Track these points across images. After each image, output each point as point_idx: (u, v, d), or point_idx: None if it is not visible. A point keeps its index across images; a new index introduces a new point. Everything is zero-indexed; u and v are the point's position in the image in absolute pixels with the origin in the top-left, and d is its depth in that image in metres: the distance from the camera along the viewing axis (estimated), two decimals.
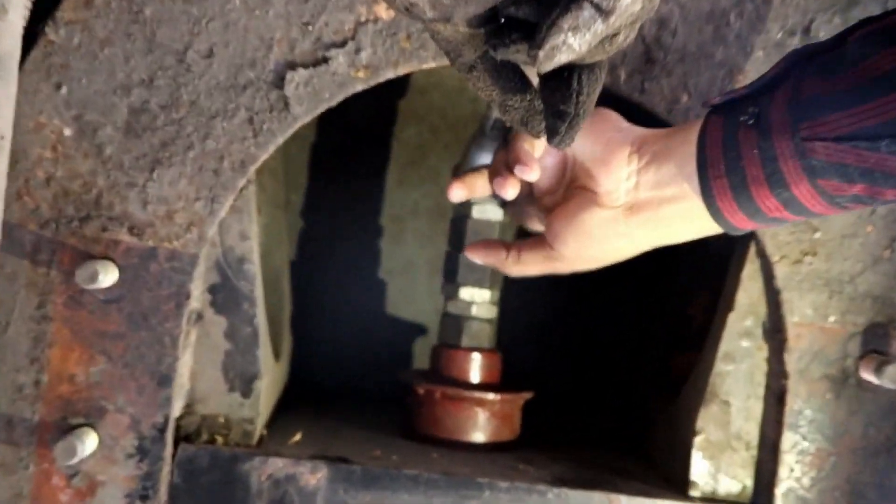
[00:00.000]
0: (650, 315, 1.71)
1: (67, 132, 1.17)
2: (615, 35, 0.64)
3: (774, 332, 1.24)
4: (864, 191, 0.75)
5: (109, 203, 1.17)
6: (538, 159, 0.89)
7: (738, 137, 0.79)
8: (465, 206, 1.48)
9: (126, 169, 1.18)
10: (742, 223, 0.82)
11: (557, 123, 0.73)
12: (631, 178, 0.85)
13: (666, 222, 0.85)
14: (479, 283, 1.49)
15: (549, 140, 0.76)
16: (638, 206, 0.85)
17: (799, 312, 1.21)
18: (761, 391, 1.28)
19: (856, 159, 0.73)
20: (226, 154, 1.18)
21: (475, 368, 1.49)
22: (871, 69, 0.72)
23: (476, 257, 0.95)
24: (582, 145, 0.87)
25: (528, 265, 0.93)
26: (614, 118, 0.89)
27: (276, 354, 1.43)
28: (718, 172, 0.80)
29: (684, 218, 0.84)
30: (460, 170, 1.49)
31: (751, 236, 1.24)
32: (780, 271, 1.21)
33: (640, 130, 0.88)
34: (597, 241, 0.88)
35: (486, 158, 1.48)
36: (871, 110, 0.72)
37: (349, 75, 1.18)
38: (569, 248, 0.89)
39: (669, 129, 0.87)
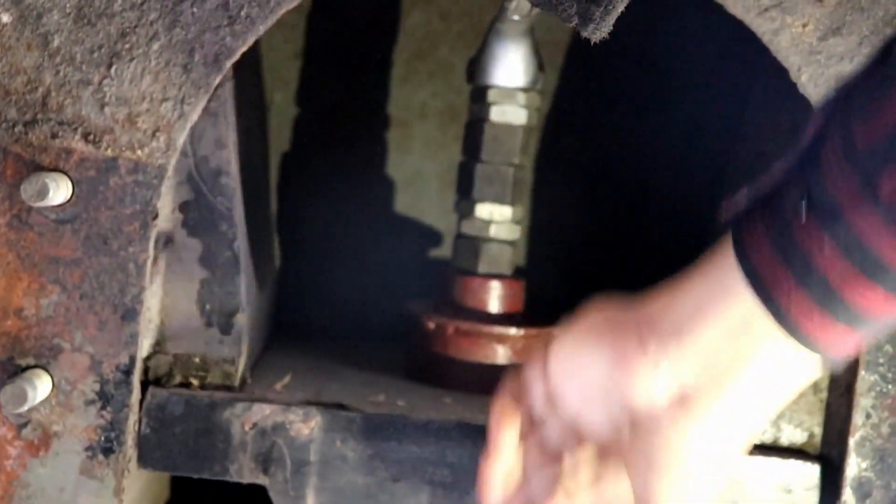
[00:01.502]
0: (699, 235, 1.70)
1: (5, 18, 1.15)
2: None
3: None
4: None
5: (59, 104, 1.16)
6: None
7: (794, 238, 0.69)
8: (482, 108, 1.47)
9: (78, 63, 1.15)
10: (846, 341, 0.72)
11: (591, 7, 0.70)
12: (658, 375, 0.76)
13: (738, 393, 0.75)
14: (499, 199, 1.47)
15: (582, 27, 0.73)
16: (686, 398, 0.76)
17: None
18: None
19: None
20: (197, 46, 1.16)
21: (494, 298, 1.48)
22: None
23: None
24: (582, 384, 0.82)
25: None
26: (600, 318, 0.83)
27: (261, 283, 1.43)
28: (788, 287, 0.70)
29: (760, 379, 0.74)
30: (478, 65, 1.47)
31: None
32: None
33: (637, 312, 0.80)
34: (687, 470, 0.77)
35: (508, 52, 1.46)
36: None
37: None
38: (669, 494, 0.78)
39: (681, 281, 0.79)
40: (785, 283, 0.70)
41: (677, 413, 0.76)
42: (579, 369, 0.83)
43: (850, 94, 0.69)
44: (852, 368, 1.22)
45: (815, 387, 1.27)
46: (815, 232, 0.68)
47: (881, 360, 1.21)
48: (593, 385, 0.81)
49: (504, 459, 0.89)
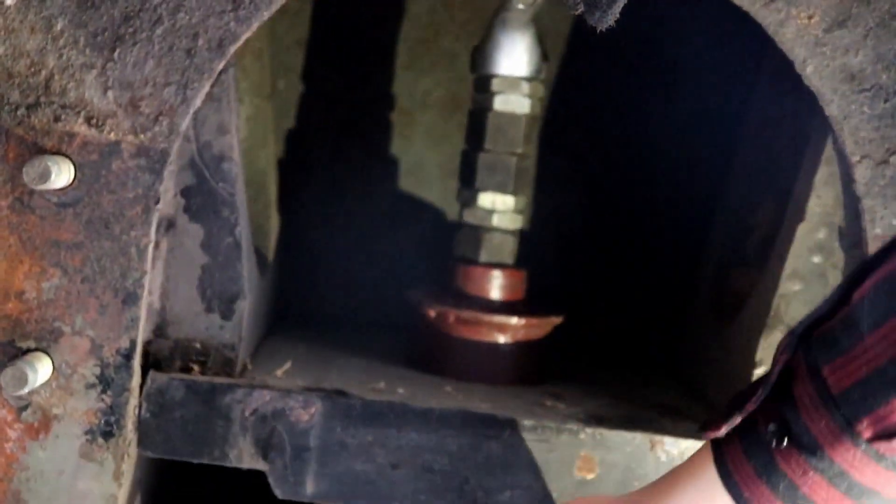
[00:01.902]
0: (702, 226, 1.70)
1: (9, 1, 1.14)
2: None
3: (852, 246, 1.23)
4: None
5: (62, 87, 1.15)
6: None
7: (777, 465, 0.78)
8: (486, 97, 1.47)
9: (81, 47, 1.15)
10: None
11: None
12: None
13: None
14: (501, 188, 1.47)
15: (589, 16, 0.74)
16: None
17: (882, 223, 1.19)
18: None
19: None
20: (201, 31, 1.16)
21: (496, 287, 1.48)
22: None
23: None
24: None
25: None
26: None
27: (262, 270, 1.43)
28: None
29: None
30: (481, 54, 1.47)
31: (825, 133, 1.21)
32: (861, 174, 1.19)
33: None
34: None
35: (512, 40, 1.45)
36: None
37: None
38: None
39: (665, 485, 0.89)
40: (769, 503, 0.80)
41: None
42: None
43: (813, 335, 0.78)
44: None
45: None
46: (798, 462, 0.77)
47: None
48: None
49: None
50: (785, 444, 0.77)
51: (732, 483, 0.81)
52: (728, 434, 0.82)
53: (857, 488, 0.76)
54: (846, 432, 0.74)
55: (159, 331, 1.25)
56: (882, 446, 0.73)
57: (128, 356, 1.17)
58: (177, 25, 1.15)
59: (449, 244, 1.54)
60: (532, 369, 1.46)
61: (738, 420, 0.81)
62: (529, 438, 1.23)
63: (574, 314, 1.55)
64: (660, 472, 1.21)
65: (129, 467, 1.19)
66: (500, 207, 1.48)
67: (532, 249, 1.59)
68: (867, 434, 0.73)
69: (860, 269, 0.77)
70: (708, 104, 1.71)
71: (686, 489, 0.85)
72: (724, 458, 0.82)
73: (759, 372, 1.27)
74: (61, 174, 1.13)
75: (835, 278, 1.26)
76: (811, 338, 0.78)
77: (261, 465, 1.21)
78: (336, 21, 1.78)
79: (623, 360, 1.71)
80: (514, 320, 1.43)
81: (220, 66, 1.16)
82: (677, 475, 0.88)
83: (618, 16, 0.90)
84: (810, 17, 1.16)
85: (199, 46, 1.16)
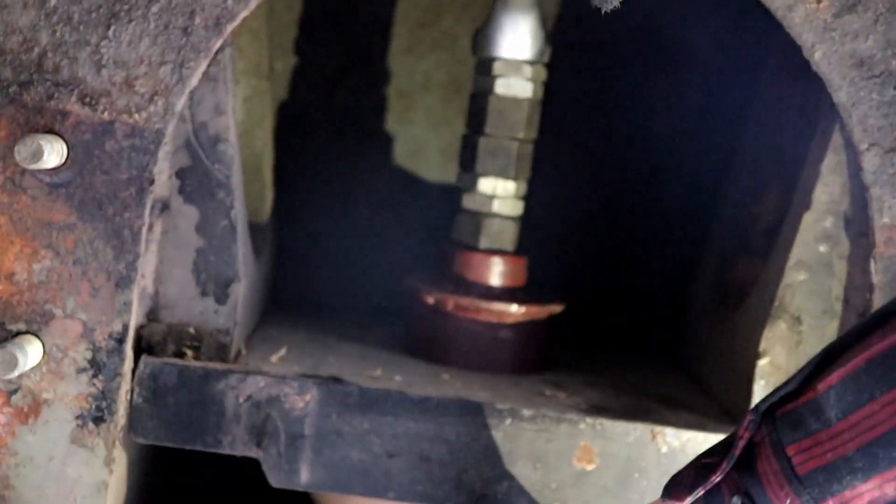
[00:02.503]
0: (706, 214, 1.69)
1: None
2: None
3: (859, 235, 1.22)
4: None
5: (55, 65, 1.14)
6: None
7: None
8: (488, 80, 1.46)
9: (75, 24, 1.14)
10: None
11: None
12: None
13: None
14: (502, 173, 1.47)
15: None
16: None
17: (890, 213, 1.19)
18: (839, 307, 1.26)
19: None
20: (198, 8, 1.15)
21: (495, 275, 1.47)
22: (883, 420, 0.75)
23: None
24: None
25: None
26: None
27: (257, 253, 1.42)
28: None
29: None
30: (483, 37, 1.46)
31: (834, 119, 1.21)
32: (869, 163, 1.18)
33: None
34: None
35: (515, 23, 1.44)
36: None
37: None
38: None
39: None
40: None
41: None
42: None
43: (778, 413, 0.81)
44: None
45: None
46: None
47: None
48: None
49: None
50: None
51: None
52: None
53: None
54: None
55: (152, 315, 1.24)
56: None
57: (120, 340, 1.16)
58: (173, 3, 1.14)
59: (448, 229, 1.53)
60: (532, 358, 1.46)
61: (702, 493, 0.85)
62: (528, 428, 1.22)
63: (576, 303, 1.54)
64: (661, 464, 1.22)
65: (120, 453, 1.19)
66: (501, 193, 1.47)
67: (534, 238, 1.59)
68: None
69: (826, 353, 0.81)
70: (713, 90, 1.70)
71: None
72: None
73: (762, 363, 1.27)
74: (53, 153, 1.12)
75: (840, 268, 1.25)
76: (775, 415, 0.81)
77: (254, 453, 1.21)
78: (335, 2, 1.78)
79: (625, 349, 1.71)
80: (514, 308, 1.43)
81: (217, 46, 1.15)
82: None
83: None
84: (819, 2, 1.15)
85: (195, 25, 1.15)
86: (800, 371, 0.83)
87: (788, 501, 0.79)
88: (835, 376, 0.78)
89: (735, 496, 0.82)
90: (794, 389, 0.81)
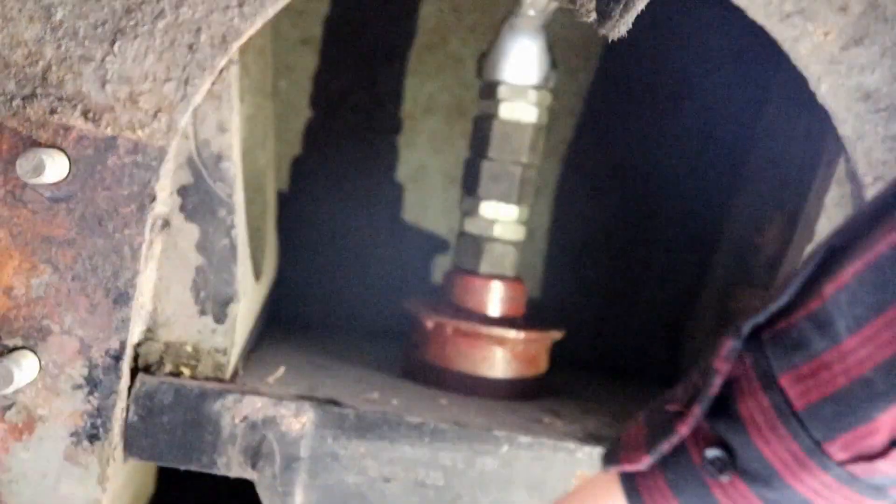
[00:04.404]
0: (708, 244, 1.69)
1: None
2: None
3: None
4: None
5: (59, 79, 1.14)
6: None
7: (716, 501, 0.65)
8: (492, 104, 1.46)
9: (81, 38, 1.14)
10: None
11: (611, 4, 0.70)
12: None
13: None
14: (504, 198, 1.46)
15: (601, 24, 0.73)
16: None
17: None
18: None
19: None
20: (204, 26, 1.15)
21: (495, 300, 1.47)
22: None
23: None
24: None
25: None
26: None
27: (257, 274, 1.42)
28: None
29: None
30: (489, 60, 1.46)
31: (839, 152, 1.21)
32: None
33: None
34: None
35: (521, 47, 1.45)
36: None
37: None
38: None
39: None
40: None
41: None
42: None
43: (764, 337, 0.64)
44: None
45: None
46: (745, 495, 0.64)
47: None
48: None
49: None
50: (728, 474, 0.64)
51: None
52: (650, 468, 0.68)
53: None
54: (813, 456, 0.61)
55: (150, 332, 1.24)
56: (858, 468, 0.61)
57: (117, 357, 1.16)
58: (179, 19, 1.15)
59: (449, 253, 1.53)
60: (530, 384, 1.45)
61: (666, 449, 0.67)
62: (525, 455, 1.22)
63: (576, 330, 1.54)
64: None
65: (114, 472, 1.18)
66: (503, 218, 1.47)
67: (535, 263, 1.59)
68: (840, 456, 0.61)
69: (828, 253, 0.63)
70: (717, 120, 1.71)
71: None
72: (640, 493, 0.68)
73: None
74: (55, 168, 1.12)
75: None
76: (762, 340, 0.64)
77: (249, 475, 1.20)
78: (341, 22, 1.78)
79: (624, 377, 1.71)
80: (513, 333, 1.42)
81: (223, 63, 1.16)
82: None
83: (630, 26, 0.88)
84: (826, 34, 1.15)
85: (201, 42, 1.15)
86: (791, 279, 0.64)
87: (782, 447, 0.62)
88: (849, 272, 0.60)
89: (707, 450, 0.64)
90: (788, 304, 0.64)
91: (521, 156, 1.45)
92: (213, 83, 1.18)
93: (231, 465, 1.20)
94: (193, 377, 1.24)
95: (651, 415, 0.69)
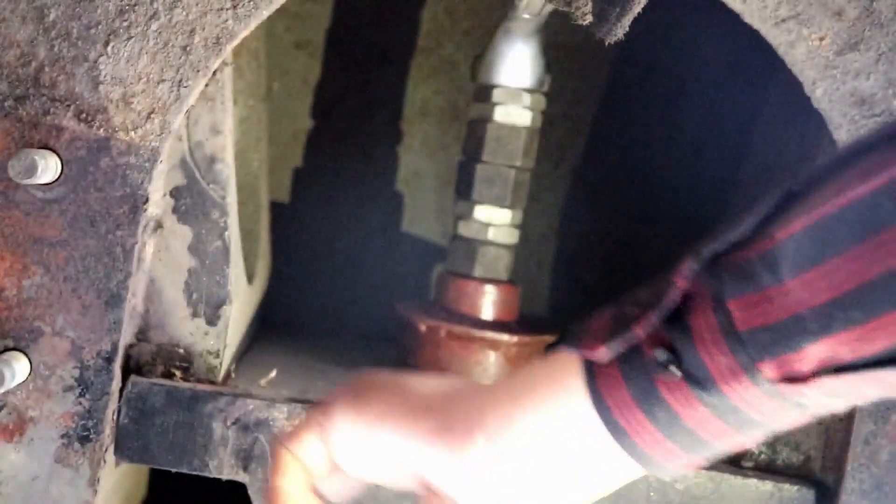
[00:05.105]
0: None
1: None
2: None
3: None
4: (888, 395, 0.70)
5: (52, 80, 1.14)
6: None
7: (660, 394, 0.72)
8: (487, 107, 1.46)
9: (74, 39, 1.14)
10: (697, 464, 0.77)
11: (607, 7, 0.70)
12: (501, 482, 0.78)
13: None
14: (498, 202, 1.46)
15: (597, 28, 0.73)
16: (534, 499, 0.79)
17: None
18: None
19: (879, 383, 0.67)
20: (198, 27, 1.15)
21: (489, 303, 1.47)
22: (843, 280, 0.65)
23: None
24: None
25: None
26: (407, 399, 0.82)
27: (250, 276, 1.42)
28: (653, 439, 0.74)
29: (595, 490, 0.79)
30: (483, 64, 1.46)
31: None
32: None
33: (467, 410, 0.79)
34: None
35: (516, 51, 1.44)
36: (889, 326, 0.65)
37: None
38: None
39: (519, 391, 0.78)
40: (647, 435, 0.73)
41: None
42: (366, 445, 0.83)
43: (722, 262, 0.71)
44: None
45: None
46: (685, 394, 0.72)
47: None
48: (396, 453, 0.82)
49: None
50: (672, 374, 0.71)
51: (604, 407, 0.74)
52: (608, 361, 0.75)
53: (749, 423, 0.71)
54: (747, 371, 0.69)
55: (142, 334, 1.23)
56: (785, 388, 0.68)
57: (109, 359, 1.16)
58: (173, 21, 1.14)
59: (442, 257, 1.53)
60: None
61: (622, 345, 0.74)
62: None
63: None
64: (650, 501, 1.21)
65: (105, 474, 1.18)
66: (497, 221, 1.47)
67: (529, 267, 1.58)
68: (770, 375, 0.68)
69: (786, 196, 0.70)
70: (712, 125, 1.71)
71: (542, 403, 0.77)
72: (596, 377, 0.75)
73: None
74: (48, 169, 1.12)
75: None
76: (720, 264, 0.71)
77: (241, 477, 1.20)
78: (335, 25, 1.78)
79: None
80: (507, 337, 1.42)
81: (216, 65, 1.15)
82: (533, 382, 0.78)
83: (626, 29, 0.88)
84: (821, 39, 1.15)
85: (195, 43, 1.15)
86: (752, 213, 0.71)
87: (722, 360, 0.69)
88: (798, 223, 0.67)
89: (657, 350, 0.72)
90: (746, 237, 0.70)
91: (515, 159, 1.45)
92: (206, 85, 1.18)
93: (223, 467, 1.20)
94: (185, 379, 1.24)
95: (616, 311, 0.77)
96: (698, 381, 0.70)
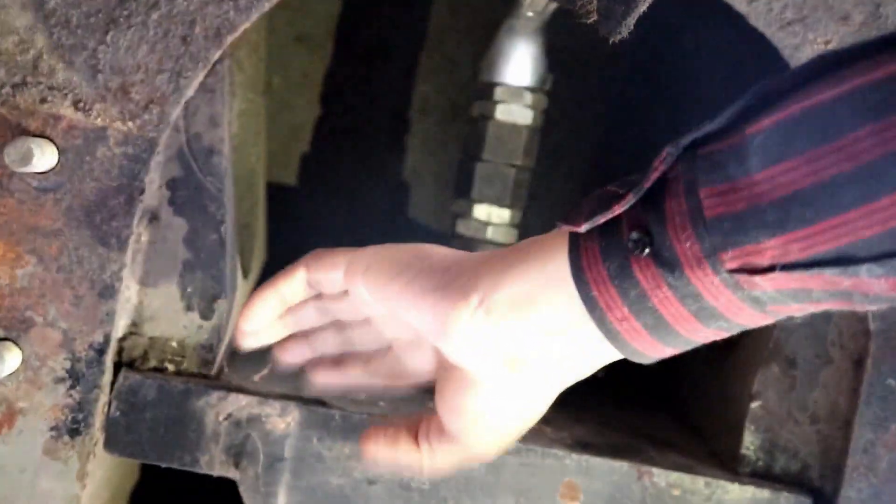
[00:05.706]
0: None
1: None
2: None
3: None
4: (837, 305, 0.73)
5: (51, 68, 1.13)
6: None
7: (632, 272, 0.76)
8: (487, 105, 1.45)
9: (73, 27, 1.13)
10: (666, 353, 0.82)
11: (613, 4, 0.70)
12: (489, 340, 0.83)
13: (559, 368, 0.86)
14: (497, 201, 1.46)
15: (602, 25, 0.73)
16: (518, 361, 0.85)
17: None
18: (834, 352, 1.25)
19: (823, 284, 0.70)
20: (198, 18, 1.14)
21: None
22: (800, 178, 0.69)
23: (377, 456, 0.96)
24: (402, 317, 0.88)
25: (442, 462, 0.93)
26: (424, 264, 0.88)
27: (245, 271, 1.41)
28: (622, 315, 0.78)
29: (573, 365, 0.86)
30: (486, 61, 1.46)
31: None
32: None
33: (466, 273, 0.85)
34: (492, 421, 0.90)
35: (518, 50, 1.44)
36: (835, 229, 0.68)
37: None
38: (474, 440, 0.90)
39: (512, 259, 0.84)
40: (618, 310, 0.77)
41: (492, 370, 0.84)
42: (388, 289, 0.88)
43: (698, 151, 0.74)
44: (852, 402, 1.20)
45: (813, 417, 1.25)
46: (653, 274, 0.75)
47: (882, 394, 1.19)
48: (399, 303, 0.88)
49: (283, 296, 1.02)
50: (644, 254, 0.75)
51: (582, 280, 0.78)
52: (588, 230, 0.80)
53: (706, 311, 0.75)
54: (709, 258, 0.72)
55: (134, 327, 1.23)
56: (742, 279, 0.72)
57: (100, 351, 1.15)
58: (174, 11, 1.14)
59: None
60: None
61: (601, 221, 0.78)
62: (512, 461, 1.21)
63: None
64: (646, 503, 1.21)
65: (94, 467, 1.17)
66: (496, 220, 1.46)
67: None
68: (730, 265, 0.72)
69: (762, 93, 0.73)
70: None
71: (530, 271, 0.82)
72: (579, 252, 0.79)
73: (754, 406, 1.26)
74: (44, 157, 1.11)
75: (838, 313, 1.25)
76: (696, 153, 0.74)
77: (232, 474, 1.19)
78: (336, 19, 1.78)
79: (615, 386, 1.70)
80: None
81: (216, 56, 1.15)
82: (526, 252, 0.84)
83: (632, 28, 0.88)
84: (827, 43, 1.15)
85: (195, 34, 1.14)
86: (730, 107, 0.75)
87: (688, 244, 0.72)
88: (766, 121, 0.71)
89: (634, 231, 0.75)
90: (721, 129, 0.74)
91: (515, 158, 1.45)
92: (206, 76, 1.17)
93: (213, 463, 1.19)
94: (178, 373, 1.23)
95: (603, 191, 0.81)
96: (666, 262, 0.74)
